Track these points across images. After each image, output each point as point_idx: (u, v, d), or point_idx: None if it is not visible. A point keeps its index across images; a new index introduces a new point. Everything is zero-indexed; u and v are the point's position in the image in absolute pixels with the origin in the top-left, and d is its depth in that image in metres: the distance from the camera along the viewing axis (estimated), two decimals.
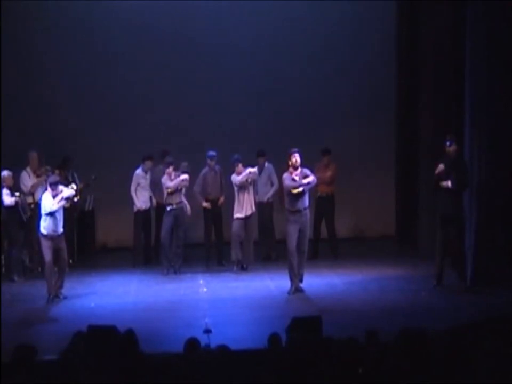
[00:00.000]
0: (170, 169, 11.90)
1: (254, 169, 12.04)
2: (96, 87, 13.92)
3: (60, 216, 10.34)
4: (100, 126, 13.96)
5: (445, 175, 10.34)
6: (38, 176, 12.15)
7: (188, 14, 14.02)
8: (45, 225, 10.28)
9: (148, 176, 12.61)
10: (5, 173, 11.63)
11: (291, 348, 6.09)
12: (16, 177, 11.85)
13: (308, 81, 14.19)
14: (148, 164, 12.60)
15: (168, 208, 11.89)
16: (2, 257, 12.01)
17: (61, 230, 10.39)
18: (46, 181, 12.20)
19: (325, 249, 12.82)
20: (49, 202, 10.24)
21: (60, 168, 12.41)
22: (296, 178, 10.35)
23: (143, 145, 13.33)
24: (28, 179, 12.11)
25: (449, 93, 11.93)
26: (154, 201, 12.69)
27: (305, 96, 14.20)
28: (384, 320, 8.67)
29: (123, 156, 13.52)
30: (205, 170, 12.46)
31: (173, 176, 11.88)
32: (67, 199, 10.55)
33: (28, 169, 12.21)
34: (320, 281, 10.96)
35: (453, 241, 10.45)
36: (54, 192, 10.25)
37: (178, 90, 14.06)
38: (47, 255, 10.31)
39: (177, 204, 11.88)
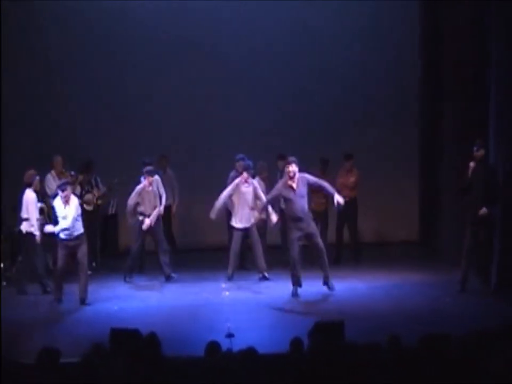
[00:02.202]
0: (152, 179, 11.70)
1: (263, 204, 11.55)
2: (119, 93, 14.01)
3: (69, 220, 10.24)
4: (123, 130, 14.04)
5: (472, 182, 10.29)
6: (62, 179, 12.21)
7: (202, 17, 14.02)
8: (60, 229, 10.26)
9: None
10: None
11: (313, 352, 6.07)
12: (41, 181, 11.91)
13: (330, 84, 14.16)
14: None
15: (141, 218, 11.72)
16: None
17: (75, 232, 10.33)
18: (73, 184, 12.25)
19: (348, 254, 12.79)
20: (60, 209, 10.24)
21: (83, 172, 12.48)
22: (294, 185, 10.36)
23: (166, 150, 13.40)
24: (52, 182, 12.18)
25: (474, 97, 11.86)
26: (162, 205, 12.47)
27: (327, 100, 14.17)
28: (407, 325, 8.63)
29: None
30: (233, 173, 12.42)
31: (149, 188, 11.69)
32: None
33: (53, 172, 12.29)
34: (343, 286, 10.93)
35: (482, 246, 10.37)
36: (64, 194, 10.22)
37: (199, 96, 14.07)
38: (60, 259, 10.33)
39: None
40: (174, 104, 14.08)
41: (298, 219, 10.40)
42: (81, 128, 13.88)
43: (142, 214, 11.69)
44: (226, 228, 12.62)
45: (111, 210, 13.43)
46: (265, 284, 11.50)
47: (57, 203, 10.34)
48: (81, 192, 12.43)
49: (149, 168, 11.75)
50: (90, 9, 13.87)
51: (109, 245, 13.55)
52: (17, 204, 12.00)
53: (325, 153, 12.99)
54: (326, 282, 10.58)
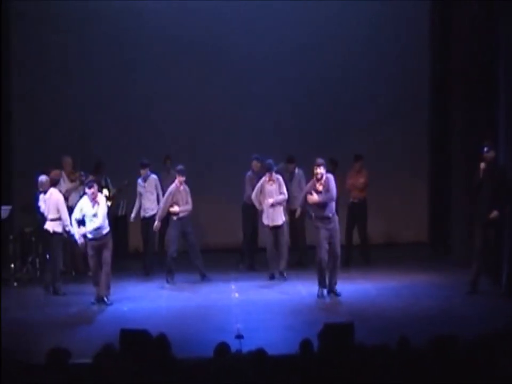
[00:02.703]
0: (183, 178, 11.60)
1: (282, 197, 11.67)
2: (128, 95, 14.05)
3: (100, 218, 10.26)
4: (133, 132, 14.08)
5: (482, 183, 10.24)
6: (72, 180, 12.25)
7: (206, 18, 14.04)
8: (86, 229, 10.28)
9: (147, 184, 12.25)
10: (43, 178, 11.66)
11: (323, 354, 6.07)
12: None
13: (340, 85, 14.16)
14: (143, 172, 12.27)
15: (175, 218, 11.67)
16: (37, 260, 12.12)
17: (103, 231, 10.35)
18: (82, 184, 12.26)
19: (357, 255, 12.78)
20: (86, 207, 10.23)
21: (93, 173, 12.50)
22: (320, 188, 10.39)
23: (175, 151, 13.47)
24: (62, 183, 12.18)
25: (482, 97, 11.83)
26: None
27: (337, 101, 14.17)
28: (417, 326, 8.63)
29: (156, 161, 13.58)
30: (250, 173, 12.45)
31: (181, 188, 11.62)
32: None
33: (62, 173, 12.30)
34: (353, 287, 10.93)
35: (492, 246, 10.34)
36: (91, 190, 10.21)
37: (208, 98, 14.11)
38: (90, 258, 10.39)
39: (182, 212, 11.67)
40: (181, 105, 14.12)
41: (327, 218, 10.40)
42: (89, 129, 13.92)
43: (175, 214, 11.66)
44: (242, 229, 12.65)
45: (121, 212, 13.44)
46: (275, 285, 11.48)
47: (85, 202, 10.31)
48: None
49: (180, 167, 11.67)
50: (100, 12, 13.92)
51: (119, 246, 13.55)
52: (27, 204, 12.09)
53: (333, 155, 12.98)
54: (331, 288, 10.54)
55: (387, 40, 14.13)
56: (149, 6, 13.99)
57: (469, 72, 12.22)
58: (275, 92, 14.13)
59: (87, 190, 10.31)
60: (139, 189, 12.31)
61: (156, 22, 14.01)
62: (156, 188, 12.28)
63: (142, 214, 12.32)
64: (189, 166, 13.43)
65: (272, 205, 11.62)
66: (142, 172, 12.26)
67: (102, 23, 13.94)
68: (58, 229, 10.91)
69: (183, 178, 11.58)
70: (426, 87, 14.23)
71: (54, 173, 11.24)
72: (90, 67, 13.99)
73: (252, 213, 12.23)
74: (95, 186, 10.34)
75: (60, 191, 11.39)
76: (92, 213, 10.25)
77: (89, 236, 10.31)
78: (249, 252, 12.57)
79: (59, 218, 10.86)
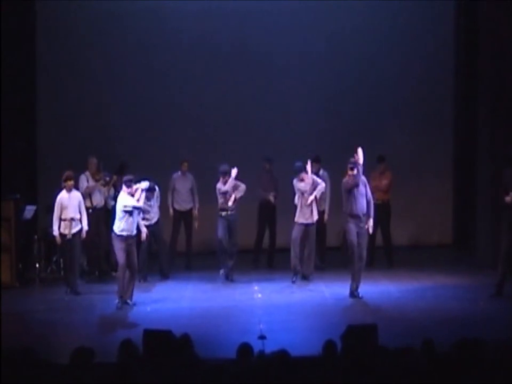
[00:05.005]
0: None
1: (322, 184, 11.67)
2: (153, 97, 14.08)
3: (135, 217, 10.29)
4: (157, 133, 14.12)
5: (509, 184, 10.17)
6: (96, 180, 12.31)
7: (241, 20, 14.05)
8: (120, 226, 10.21)
9: (153, 201, 11.91)
10: None
11: (346, 355, 6.06)
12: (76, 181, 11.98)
13: (363, 87, 14.12)
14: (151, 195, 11.80)
15: (223, 214, 11.84)
16: (61, 260, 12.19)
17: (135, 231, 10.35)
18: (106, 185, 12.31)
19: (381, 257, 12.73)
20: (128, 200, 10.19)
21: (117, 173, 12.55)
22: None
23: (200, 153, 13.49)
24: (85, 183, 12.22)
25: (510, 97, 11.73)
26: (171, 210, 12.59)
27: (360, 103, 14.13)
28: (440, 329, 8.59)
29: (178, 162, 13.62)
30: (259, 173, 12.65)
31: (227, 183, 11.77)
32: (147, 190, 10.54)
33: (87, 173, 12.35)
34: (376, 289, 10.90)
35: None
36: (129, 190, 10.23)
37: (232, 99, 14.12)
38: (121, 257, 10.22)
39: (231, 209, 11.78)
40: (206, 107, 14.11)
41: (358, 217, 10.45)
42: (113, 130, 13.97)
43: (224, 210, 11.76)
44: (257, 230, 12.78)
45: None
46: (298, 286, 11.46)
47: (124, 197, 10.26)
48: (115, 194, 12.49)
49: (224, 168, 11.77)
50: (125, 14, 13.97)
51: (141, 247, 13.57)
52: (51, 204, 12.15)
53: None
54: (353, 291, 10.49)
55: (411, 41, 14.06)
56: (173, 7, 14.02)
57: (495, 70, 12.13)
58: (298, 95, 14.10)
59: (125, 189, 10.27)
60: (145, 207, 11.61)
61: (181, 25, 14.02)
62: (157, 200, 12.16)
63: (147, 222, 11.89)
64: (214, 168, 13.48)
65: (315, 198, 11.55)
66: (150, 195, 11.86)
67: (127, 25, 13.99)
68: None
69: (225, 179, 11.75)
70: (451, 88, 14.15)
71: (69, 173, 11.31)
72: (115, 69, 14.03)
73: (267, 212, 12.41)
74: (133, 186, 10.27)
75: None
76: (135, 204, 10.20)
77: (124, 234, 10.23)
78: (269, 250, 12.76)
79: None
